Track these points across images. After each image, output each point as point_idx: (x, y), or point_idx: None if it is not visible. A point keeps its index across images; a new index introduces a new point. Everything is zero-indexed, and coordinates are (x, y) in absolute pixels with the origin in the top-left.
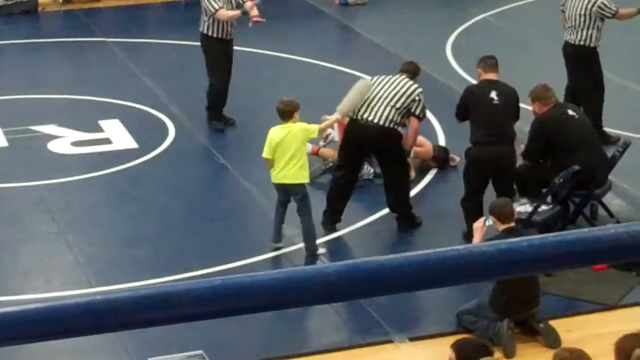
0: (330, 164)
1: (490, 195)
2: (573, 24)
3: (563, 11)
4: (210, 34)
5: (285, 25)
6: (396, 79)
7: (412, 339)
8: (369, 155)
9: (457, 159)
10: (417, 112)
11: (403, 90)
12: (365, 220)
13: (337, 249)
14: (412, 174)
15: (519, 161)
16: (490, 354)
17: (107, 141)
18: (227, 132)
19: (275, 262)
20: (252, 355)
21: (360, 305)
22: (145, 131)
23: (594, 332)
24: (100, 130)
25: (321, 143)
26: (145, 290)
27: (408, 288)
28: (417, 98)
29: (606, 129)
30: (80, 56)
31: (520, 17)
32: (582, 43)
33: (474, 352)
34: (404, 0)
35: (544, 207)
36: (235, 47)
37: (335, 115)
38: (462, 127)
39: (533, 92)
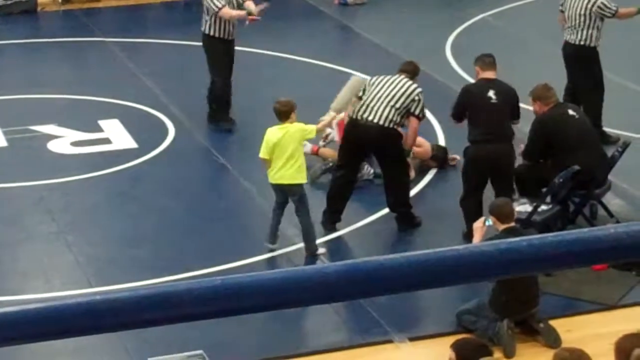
0: (330, 164)
1: (490, 195)
2: (573, 23)
3: (562, 11)
4: (212, 33)
5: (285, 25)
6: (395, 79)
7: (412, 339)
8: (369, 155)
9: (457, 157)
10: (417, 112)
11: (402, 90)
12: (365, 220)
13: (337, 248)
14: (412, 174)
15: (519, 161)
16: (490, 354)
17: (106, 141)
18: (227, 133)
19: (275, 262)
20: (252, 355)
21: (360, 305)
22: (145, 131)
23: (593, 332)
24: (99, 130)
25: (321, 143)
26: (145, 290)
27: (408, 288)
28: (416, 98)
29: (606, 129)
30: (80, 56)
31: (519, 17)
32: (582, 43)
33: (473, 352)
34: (403, 0)
35: (543, 207)
36: (235, 47)
37: (330, 114)
38: (462, 127)
39: (534, 92)
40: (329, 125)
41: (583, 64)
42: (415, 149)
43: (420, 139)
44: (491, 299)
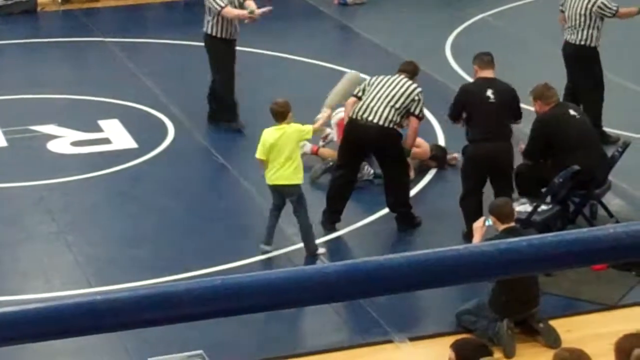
0: (331, 163)
1: (490, 195)
2: (573, 23)
3: (562, 11)
4: (214, 34)
5: (285, 25)
6: (395, 79)
7: (412, 339)
8: (369, 155)
9: (458, 156)
10: (417, 112)
11: (402, 90)
12: (364, 220)
13: (336, 249)
14: (411, 174)
15: (519, 160)
16: (490, 354)
17: (106, 141)
18: (226, 133)
19: (275, 262)
20: (252, 355)
21: (360, 305)
22: (145, 131)
23: (593, 332)
24: (99, 130)
25: (321, 143)
26: (145, 290)
27: (408, 288)
28: (416, 98)
29: (606, 128)
30: (80, 56)
31: (519, 17)
32: (582, 43)
33: (473, 352)
34: (403, 0)
35: (543, 207)
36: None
37: (326, 111)
38: (461, 127)
39: (534, 91)
40: (326, 123)
41: (583, 64)
42: (414, 149)
43: (419, 140)
44: (491, 299)
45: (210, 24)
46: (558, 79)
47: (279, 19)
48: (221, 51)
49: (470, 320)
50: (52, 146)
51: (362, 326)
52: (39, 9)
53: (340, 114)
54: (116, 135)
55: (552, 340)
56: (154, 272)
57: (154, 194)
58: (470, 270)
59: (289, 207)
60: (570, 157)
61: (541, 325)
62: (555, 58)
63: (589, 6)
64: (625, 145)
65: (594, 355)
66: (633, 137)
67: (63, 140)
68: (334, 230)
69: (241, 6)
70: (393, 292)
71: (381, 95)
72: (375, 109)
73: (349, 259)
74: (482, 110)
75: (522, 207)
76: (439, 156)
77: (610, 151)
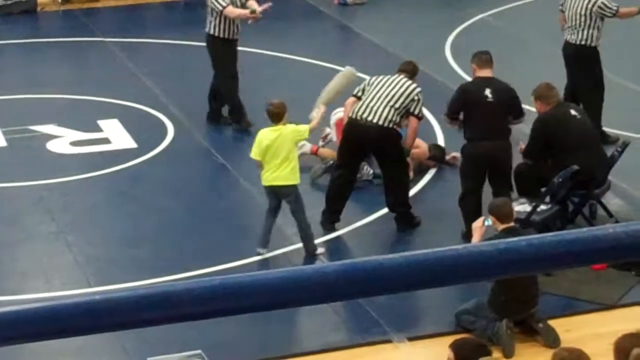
0: (331, 162)
1: (489, 195)
2: (573, 23)
3: (562, 11)
4: (216, 34)
5: (285, 25)
6: (395, 79)
7: (411, 339)
8: (368, 155)
9: (458, 155)
10: (417, 112)
11: (402, 90)
12: (364, 220)
13: (336, 248)
14: (410, 174)
15: (518, 159)
16: (489, 353)
17: (106, 141)
18: (226, 132)
19: (275, 262)
20: (251, 355)
21: (359, 304)
22: (145, 131)
23: (593, 331)
24: (99, 130)
25: (320, 143)
26: (144, 290)
27: (407, 288)
28: (416, 98)
29: (605, 128)
30: (80, 56)
31: (519, 17)
32: (582, 43)
33: (472, 352)
34: (403, 0)
35: (543, 207)
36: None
37: (320, 109)
38: (458, 129)
39: (535, 91)
40: (321, 121)
41: (583, 64)
42: (412, 150)
43: (417, 140)
44: (490, 298)
45: (213, 24)
46: (558, 79)
47: (279, 19)
48: (223, 51)
49: (469, 320)
50: (52, 146)
51: (361, 326)
52: (38, 8)
53: (339, 113)
54: (116, 135)
55: (552, 340)
56: (153, 272)
57: (154, 193)
58: (469, 270)
59: (286, 208)
60: (570, 157)
61: (540, 325)
62: (555, 58)
63: (589, 6)
64: (625, 145)
65: (593, 355)
66: (633, 137)
67: (63, 140)
68: (334, 230)
69: (243, 6)
70: (392, 292)
71: (381, 95)
72: (375, 108)
73: (348, 259)
74: (480, 110)
75: (522, 207)
76: (437, 156)
77: (609, 151)
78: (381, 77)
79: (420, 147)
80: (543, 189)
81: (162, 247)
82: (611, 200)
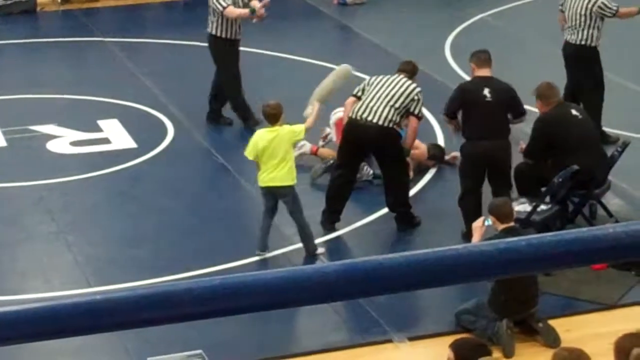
0: (331, 162)
1: (488, 194)
2: (573, 23)
3: (562, 11)
4: (218, 34)
5: (285, 25)
6: (394, 79)
7: (411, 339)
8: (368, 155)
9: (458, 155)
10: (416, 111)
11: (402, 90)
12: (364, 220)
13: (336, 248)
14: (410, 174)
15: (518, 159)
16: (489, 353)
17: (106, 141)
18: (226, 132)
19: (275, 262)
20: (251, 354)
21: (359, 304)
22: (144, 131)
23: (593, 331)
24: (99, 130)
25: (320, 143)
26: (144, 289)
27: (407, 287)
28: (416, 97)
29: (605, 128)
30: (79, 56)
31: (519, 17)
32: (582, 43)
33: (472, 351)
34: (403, 0)
35: (543, 207)
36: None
37: (315, 106)
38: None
39: (537, 90)
40: (317, 119)
41: (584, 64)
42: (412, 151)
43: (416, 142)
44: (490, 298)
45: (215, 24)
46: (557, 79)
47: (278, 19)
48: (225, 51)
49: (469, 320)
50: (52, 146)
51: (361, 326)
52: (38, 8)
53: (338, 113)
54: (116, 135)
55: (552, 339)
56: (153, 272)
57: (154, 193)
58: (469, 270)
59: (284, 208)
60: (570, 157)
61: (540, 324)
62: (554, 58)
63: (589, 6)
64: (625, 145)
65: (593, 355)
66: (633, 137)
67: (62, 140)
68: (334, 230)
69: (246, 6)
70: (392, 292)
71: (380, 95)
72: (374, 108)
73: (348, 259)
74: (478, 109)
75: (522, 206)
76: (437, 155)
77: (609, 151)
78: (381, 77)
79: (420, 148)
80: (543, 189)
81: (162, 247)
82: (611, 200)
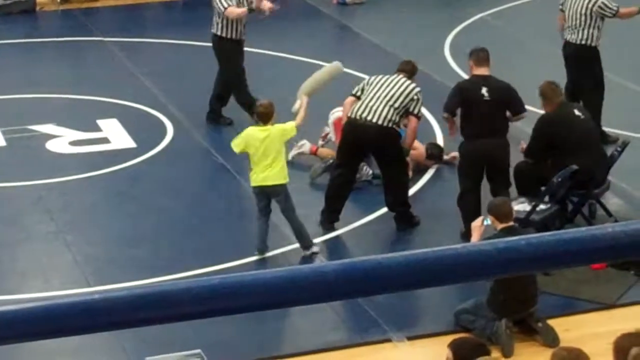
0: (330, 162)
1: (488, 194)
2: (573, 23)
3: (562, 10)
4: (222, 34)
5: (285, 25)
6: (394, 79)
7: (410, 338)
8: (368, 155)
9: (457, 155)
10: (416, 111)
11: (401, 89)
12: (363, 220)
13: (335, 248)
14: (409, 174)
15: (517, 157)
16: (488, 353)
17: (105, 140)
18: (226, 132)
19: (274, 261)
20: (250, 354)
21: (358, 304)
22: (144, 130)
23: (592, 331)
24: (98, 129)
25: (320, 142)
26: (143, 289)
27: (406, 287)
28: (415, 97)
29: (605, 128)
30: (79, 56)
31: (518, 17)
32: (582, 42)
33: (471, 351)
34: (402, 0)
35: (542, 207)
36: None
37: (303, 100)
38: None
39: (540, 89)
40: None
41: (584, 63)
42: (411, 151)
43: (414, 142)
44: (489, 298)
45: (220, 25)
46: (557, 79)
47: (278, 19)
48: (229, 51)
49: (468, 320)
50: (51, 146)
51: (360, 325)
52: (37, 8)
53: (337, 113)
54: (115, 134)
55: (551, 339)
56: (153, 272)
57: (153, 193)
58: (468, 270)
59: (277, 208)
60: (570, 157)
61: (539, 324)
62: (554, 58)
63: (590, 6)
64: (625, 144)
65: (592, 355)
66: (633, 136)
67: (62, 140)
68: (333, 229)
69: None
70: (391, 291)
71: (380, 95)
72: (374, 108)
73: (347, 259)
74: (477, 108)
75: (521, 206)
76: (435, 154)
77: (609, 151)
78: (380, 76)
79: (418, 148)
80: (542, 189)
81: (162, 247)
82: (610, 200)
